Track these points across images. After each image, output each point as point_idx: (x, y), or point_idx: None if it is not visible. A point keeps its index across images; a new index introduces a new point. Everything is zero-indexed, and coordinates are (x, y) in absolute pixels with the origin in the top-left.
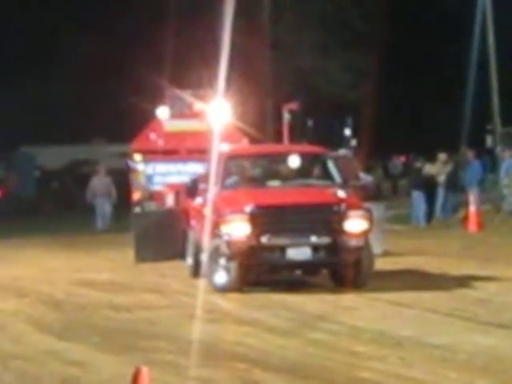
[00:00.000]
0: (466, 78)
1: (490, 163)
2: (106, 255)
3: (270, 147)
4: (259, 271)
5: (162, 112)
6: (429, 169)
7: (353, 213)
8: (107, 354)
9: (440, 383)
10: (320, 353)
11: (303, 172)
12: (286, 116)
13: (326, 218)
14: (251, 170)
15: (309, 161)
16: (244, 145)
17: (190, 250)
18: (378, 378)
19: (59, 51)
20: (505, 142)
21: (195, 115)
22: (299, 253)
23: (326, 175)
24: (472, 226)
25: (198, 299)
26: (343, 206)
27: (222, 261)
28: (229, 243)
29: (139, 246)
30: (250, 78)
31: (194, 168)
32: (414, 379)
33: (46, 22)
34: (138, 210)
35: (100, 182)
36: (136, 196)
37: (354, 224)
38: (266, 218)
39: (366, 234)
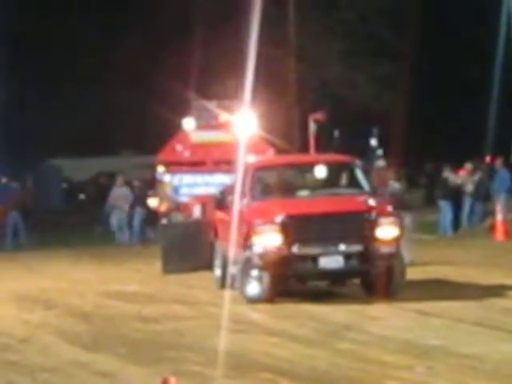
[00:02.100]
0: (492, 83)
1: None
2: (133, 266)
3: (298, 157)
4: (290, 281)
5: (188, 123)
6: (454, 178)
7: (384, 220)
8: (135, 365)
9: None
10: (347, 363)
11: (332, 181)
12: (312, 126)
13: (357, 225)
14: (280, 181)
15: (337, 170)
16: (270, 155)
17: (218, 261)
18: None
19: (86, 63)
20: None
21: (221, 126)
22: (331, 261)
23: (355, 183)
24: (499, 234)
25: (225, 310)
26: (374, 213)
27: (254, 272)
28: (261, 254)
29: (167, 257)
30: (275, 89)
31: (221, 179)
32: None
33: (71, 33)
34: (165, 221)
35: (118, 193)
36: (163, 207)
37: (386, 231)
38: (297, 228)
39: (397, 240)
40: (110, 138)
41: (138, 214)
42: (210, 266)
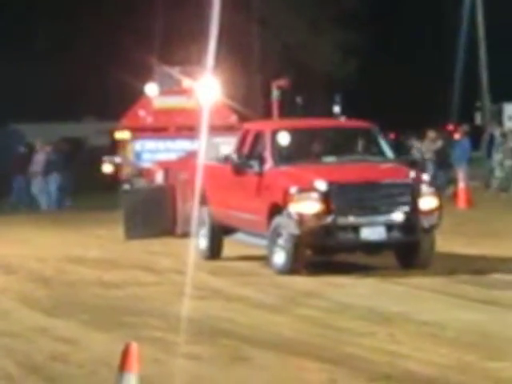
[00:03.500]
0: (456, 55)
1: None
2: (95, 232)
3: (316, 121)
4: (323, 252)
5: (151, 89)
6: (418, 146)
7: (426, 190)
8: (96, 330)
9: (429, 359)
10: (309, 329)
11: (353, 147)
12: (275, 93)
13: (401, 195)
14: (302, 145)
15: (357, 135)
16: (234, 121)
17: (206, 230)
18: (367, 354)
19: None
20: (494, 119)
21: (184, 92)
22: (373, 232)
23: (378, 150)
24: (461, 202)
25: (188, 276)
26: (417, 183)
27: (281, 241)
28: (299, 222)
29: (128, 223)
30: (238, 55)
31: (183, 145)
32: (403, 355)
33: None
34: (127, 187)
35: (39, 158)
36: (125, 173)
37: (428, 201)
38: (339, 196)
39: (439, 211)
40: (73, 104)
41: (54, 180)
42: (172, 233)
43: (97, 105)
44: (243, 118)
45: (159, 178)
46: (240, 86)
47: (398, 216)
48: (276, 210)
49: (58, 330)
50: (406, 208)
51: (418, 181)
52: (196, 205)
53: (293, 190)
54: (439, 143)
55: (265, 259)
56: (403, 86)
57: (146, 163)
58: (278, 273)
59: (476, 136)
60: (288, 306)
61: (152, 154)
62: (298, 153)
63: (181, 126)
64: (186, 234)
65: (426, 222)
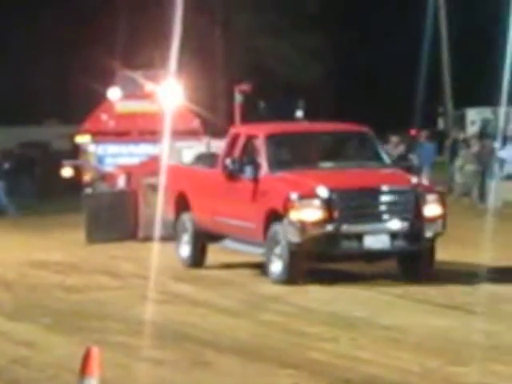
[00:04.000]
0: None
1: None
2: (57, 236)
3: (311, 125)
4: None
5: (113, 93)
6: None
7: (430, 197)
8: (58, 334)
9: (391, 364)
10: (271, 334)
11: (349, 152)
12: (238, 97)
13: (406, 202)
14: (297, 150)
15: (352, 140)
16: (197, 125)
17: (188, 237)
18: (329, 358)
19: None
20: (457, 124)
21: (146, 96)
22: (377, 241)
23: (375, 155)
24: None
25: (150, 281)
26: (420, 190)
27: (278, 250)
28: (301, 230)
29: (90, 227)
30: (201, 59)
31: (146, 149)
32: (365, 360)
33: None
34: (89, 191)
35: None
36: (87, 177)
37: (432, 209)
38: (344, 203)
39: (443, 219)
40: (34, 108)
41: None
42: (134, 237)
43: (59, 108)
44: (206, 123)
45: (121, 182)
46: (203, 90)
47: (402, 224)
48: (274, 217)
49: (20, 333)
50: (410, 215)
51: (420, 187)
52: (170, 210)
53: (293, 196)
54: (401, 148)
55: (247, 266)
56: (367, 90)
57: (108, 167)
58: (275, 282)
59: (439, 141)
60: (251, 311)
61: (114, 158)
62: (294, 158)
63: (143, 130)
64: (148, 239)
65: (430, 230)
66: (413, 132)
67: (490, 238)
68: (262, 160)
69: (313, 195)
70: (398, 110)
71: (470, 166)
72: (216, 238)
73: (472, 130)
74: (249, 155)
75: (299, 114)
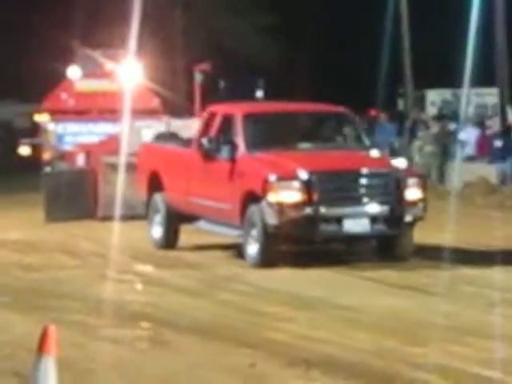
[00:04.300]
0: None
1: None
2: (15, 215)
3: (288, 105)
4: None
5: (73, 72)
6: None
7: (411, 180)
8: (16, 313)
9: (347, 344)
10: (229, 313)
11: (330, 133)
12: (198, 77)
13: (386, 185)
14: (275, 130)
15: (332, 121)
16: (156, 105)
17: (160, 218)
18: (286, 338)
19: None
20: (417, 105)
21: (106, 75)
22: (358, 224)
23: (356, 137)
24: None
25: (109, 260)
26: (402, 173)
27: (255, 232)
28: (280, 212)
29: (49, 205)
30: (161, 38)
31: (105, 128)
32: (323, 340)
33: None
34: (48, 169)
35: None
36: (46, 156)
37: (413, 192)
38: (324, 185)
39: (423, 203)
40: None
41: None
42: (93, 216)
43: (17, 87)
44: (165, 102)
45: (80, 160)
46: (163, 69)
47: (382, 207)
48: (251, 198)
49: None
50: (390, 199)
51: (402, 170)
52: (143, 190)
53: (272, 178)
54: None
55: (220, 248)
56: (328, 71)
57: (67, 146)
58: (251, 265)
59: (399, 122)
60: (209, 290)
61: (74, 136)
62: (272, 138)
63: (103, 109)
64: (107, 218)
65: (410, 214)
66: (373, 112)
67: (451, 219)
68: (239, 140)
69: (292, 177)
70: (360, 91)
71: (428, 147)
72: (189, 219)
73: (432, 111)
74: (225, 135)
75: (259, 93)
